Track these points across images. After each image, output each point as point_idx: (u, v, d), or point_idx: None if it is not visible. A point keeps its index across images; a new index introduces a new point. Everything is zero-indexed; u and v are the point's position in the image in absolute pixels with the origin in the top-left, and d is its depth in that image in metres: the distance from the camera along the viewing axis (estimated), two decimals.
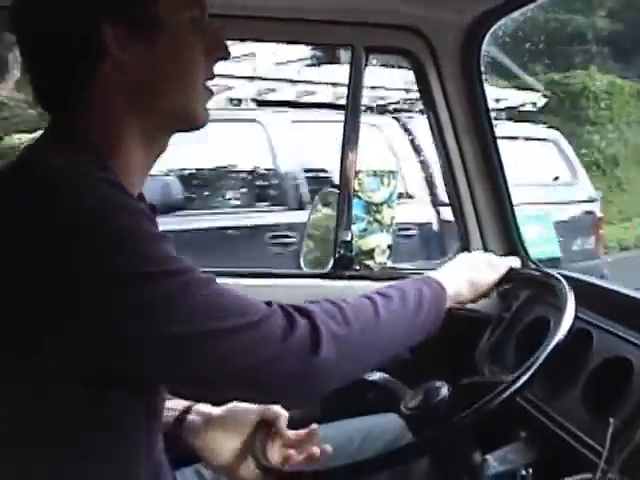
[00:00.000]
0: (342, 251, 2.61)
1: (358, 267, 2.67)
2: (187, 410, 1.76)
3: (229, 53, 1.48)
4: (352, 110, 2.59)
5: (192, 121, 1.46)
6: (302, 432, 1.80)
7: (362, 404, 1.94)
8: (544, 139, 8.00)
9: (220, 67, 1.49)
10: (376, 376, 1.84)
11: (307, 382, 1.35)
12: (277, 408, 1.79)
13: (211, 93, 1.48)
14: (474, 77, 2.54)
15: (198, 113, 1.45)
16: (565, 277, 1.73)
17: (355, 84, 2.57)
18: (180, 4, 1.39)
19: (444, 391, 1.64)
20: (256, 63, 8.30)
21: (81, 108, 1.37)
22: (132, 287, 1.19)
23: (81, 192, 1.21)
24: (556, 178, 7.82)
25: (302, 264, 2.95)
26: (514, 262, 1.95)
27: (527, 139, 7.52)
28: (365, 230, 2.71)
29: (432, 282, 1.66)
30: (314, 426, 1.81)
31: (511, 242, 2.64)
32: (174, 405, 1.75)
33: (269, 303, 1.35)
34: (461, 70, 2.53)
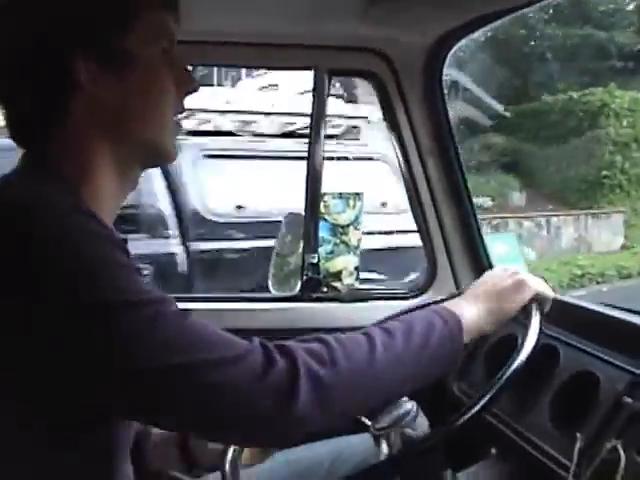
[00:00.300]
0: (309, 273, 2.62)
1: (326, 289, 2.67)
2: None
3: (196, 86, 1.49)
4: (315, 133, 2.59)
5: (162, 154, 1.46)
6: None
7: None
8: (372, 158, 7.01)
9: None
10: None
11: (279, 427, 1.27)
12: None
13: (180, 127, 1.49)
14: (437, 98, 2.55)
15: (168, 147, 1.45)
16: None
17: (319, 107, 2.58)
18: (151, 37, 1.39)
19: (412, 409, 1.64)
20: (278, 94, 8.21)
21: (53, 139, 1.37)
22: (101, 318, 1.17)
23: (51, 222, 1.20)
24: (384, 204, 6.81)
25: (270, 287, 2.94)
26: (542, 286, 1.70)
27: (356, 159, 6.78)
28: (332, 252, 2.71)
29: (447, 314, 1.52)
30: None
31: (478, 260, 2.66)
32: None
33: (251, 339, 1.29)
34: (423, 91, 2.55)
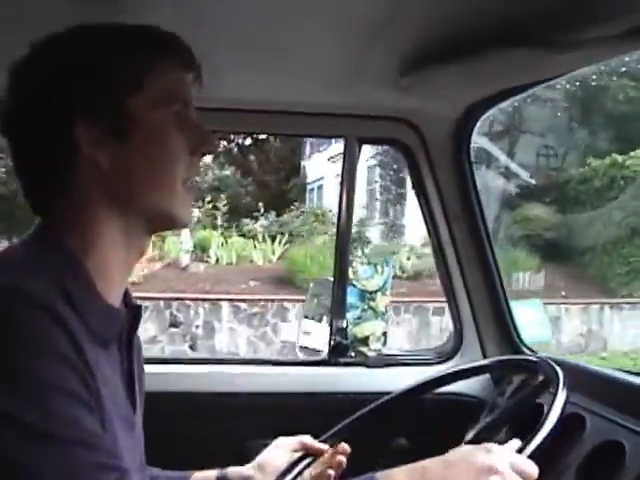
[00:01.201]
0: (337, 338, 2.63)
1: (353, 354, 2.68)
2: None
3: (215, 147, 1.48)
4: (347, 200, 2.63)
5: (171, 222, 1.43)
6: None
7: None
8: None
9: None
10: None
11: None
12: (299, 440, 1.87)
13: (194, 191, 1.45)
14: (464, 165, 2.58)
15: (178, 213, 1.41)
16: (558, 362, 1.75)
17: (349, 174, 2.61)
18: (156, 101, 1.37)
19: None
20: None
21: (56, 208, 1.37)
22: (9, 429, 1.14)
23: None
24: None
25: (297, 351, 2.95)
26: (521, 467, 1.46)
27: None
28: (360, 318, 2.73)
29: None
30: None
31: (504, 326, 2.66)
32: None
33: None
34: (452, 159, 2.57)
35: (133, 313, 1.50)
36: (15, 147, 1.40)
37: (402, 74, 2.05)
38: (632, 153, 16.98)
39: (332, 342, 2.64)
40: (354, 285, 2.72)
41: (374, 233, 20.44)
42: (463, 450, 1.52)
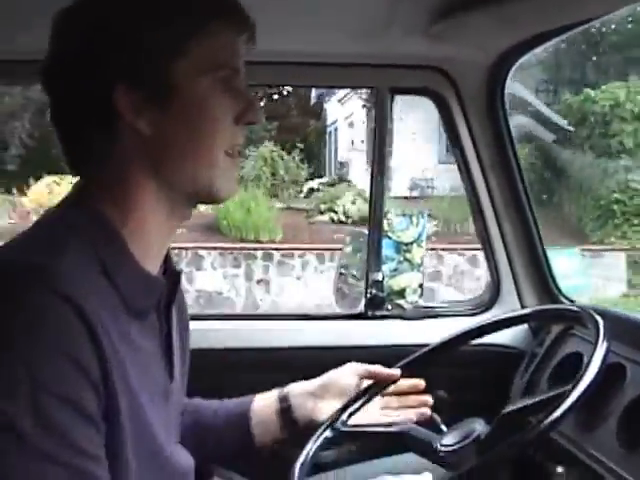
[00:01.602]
0: (373, 291, 2.62)
1: (390, 307, 2.67)
2: (284, 399, 1.88)
3: (260, 116, 1.43)
4: (379, 152, 2.61)
5: (213, 193, 1.38)
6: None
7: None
8: None
9: None
10: (400, 427, 1.82)
11: None
12: (367, 367, 1.92)
13: (238, 160, 1.41)
14: (499, 114, 2.55)
15: (220, 184, 1.38)
16: (598, 312, 1.73)
17: (380, 125, 2.59)
18: (203, 67, 1.33)
19: (480, 427, 1.64)
20: None
21: (96, 174, 1.35)
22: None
23: (26, 303, 1.16)
24: None
25: (334, 304, 2.95)
26: None
27: None
28: (396, 270, 2.72)
29: None
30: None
31: (542, 276, 2.64)
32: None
33: None
34: (486, 107, 2.54)
35: (173, 279, 1.48)
36: (54, 106, 1.37)
37: (433, 21, 2.02)
38: (604, 87, 16.44)
39: (368, 295, 2.63)
40: (389, 237, 2.71)
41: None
42: None
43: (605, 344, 1.55)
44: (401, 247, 2.72)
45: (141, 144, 1.32)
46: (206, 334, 2.37)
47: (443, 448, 1.67)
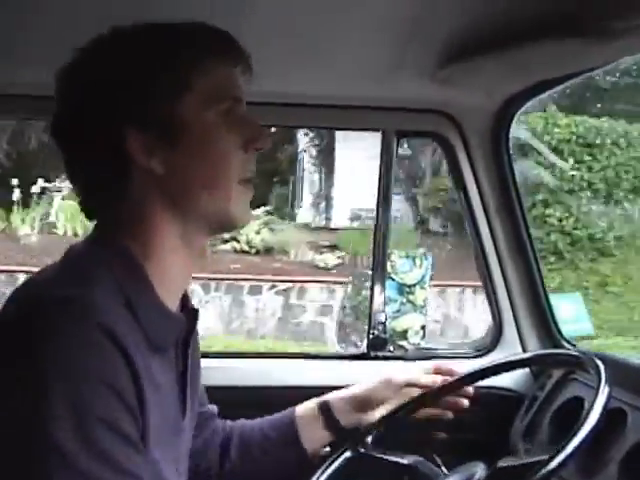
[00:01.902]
0: (376, 332, 2.63)
1: (392, 348, 2.67)
2: (324, 405, 1.94)
3: (268, 142, 1.45)
4: (384, 194, 2.63)
5: (230, 221, 1.42)
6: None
7: None
8: None
9: None
10: (411, 459, 1.83)
11: None
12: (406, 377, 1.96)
13: (250, 187, 1.44)
14: (503, 158, 2.56)
15: (236, 212, 1.41)
16: (599, 356, 1.74)
17: (386, 168, 2.60)
18: (206, 101, 1.36)
19: (480, 472, 1.64)
20: None
21: (117, 214, 1.37)
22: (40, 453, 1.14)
23: (60, 339, 1.19)
24: None
25: (336, 344, 2.96)
26: None
27: None
28: (398, 311, 2.72)
29: None
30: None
31: (544, 320, 2.64)
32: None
33: None
34: (491, 151, 2.56)
35: (191, 316, 1.50)
36: (69, 162, 1.40)
37: (440, 66, 2.04)
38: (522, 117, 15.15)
39: (371, 336, 2.64)
40: (392, 279, 2.72)
41: None
42: None
43: (607, 389, 1.55)
44: (404, 289, 2.73)
45: (155, 182, 1.34)
46: (206, 372, 2.38)
47: None
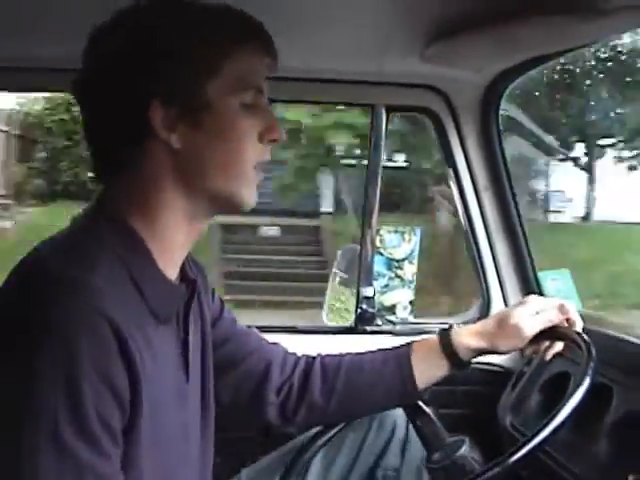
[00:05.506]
0: (364, 306, 2.64)
1: (380, 322, 2.68)
2: (445, 335, 1.85)
3: (280, 136, 1.45)
4: (373, 168, 2.63)
5: (237, 205, 1.43)
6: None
7: None
8: None
9: None
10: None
11: None
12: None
13: (261, 175, 1.45)
14: (493, 134, 2.57)
15: (244, 197, 1.42)
16: (586, 332, 1.74)
17: (376, 143, 2.61)
18: (232, 87, 1.37)
19: (466, 446, 1.65)
20: None
21: (126, 182, 1.38)
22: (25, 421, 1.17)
23: (59, 303, 1.21)
24: None
25: (324, 318, 2.95)
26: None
27: None
28: (387, 286, 2.73)
29: None
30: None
31: None
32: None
33: None
34: (480, 127, 2.56)
35: (190, 286, 1.51)
36: (87, 117, 1.41)
37: (429, 43, 2.04)
38: None
39: (359, 310, 2.65)
40: (381, 253, 2.72)
41: None
42: None
43: (593, 364, 1.56)
44: (392, 264, 2.74)
45: (170, 157, 1.36)
46: None
47: (432, 465, 1.69)
